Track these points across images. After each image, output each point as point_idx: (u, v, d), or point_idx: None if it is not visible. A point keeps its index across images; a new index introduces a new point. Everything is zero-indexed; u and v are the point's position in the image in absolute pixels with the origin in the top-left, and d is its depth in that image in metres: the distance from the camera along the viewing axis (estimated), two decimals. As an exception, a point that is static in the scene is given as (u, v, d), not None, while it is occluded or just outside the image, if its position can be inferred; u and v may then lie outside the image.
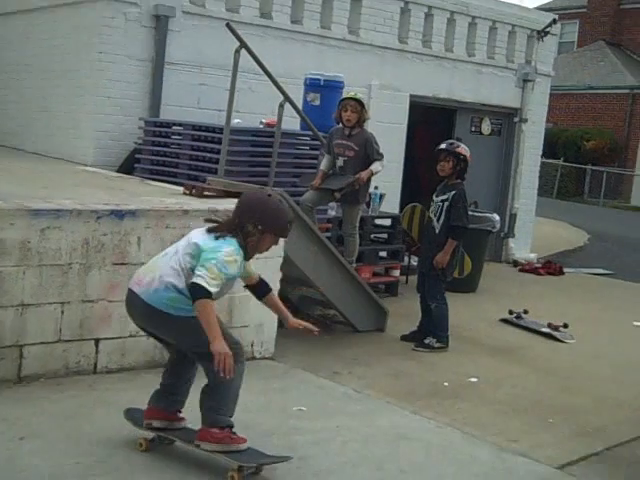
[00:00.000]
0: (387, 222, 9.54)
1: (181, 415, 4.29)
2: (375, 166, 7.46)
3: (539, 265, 12.26)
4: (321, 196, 7.53)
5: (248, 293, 5.87)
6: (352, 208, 7.61)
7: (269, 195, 4.15)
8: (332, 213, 8.50)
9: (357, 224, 7.70)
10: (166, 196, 6.23)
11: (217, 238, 3.96)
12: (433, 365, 6.65)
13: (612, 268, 13.27)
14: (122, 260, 5.34)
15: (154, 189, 6.86)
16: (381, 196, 9.45)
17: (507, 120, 12.56)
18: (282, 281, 6.17)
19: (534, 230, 13.23)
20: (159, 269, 4.04)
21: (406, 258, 9.72)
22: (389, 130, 10.40)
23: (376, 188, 9.11)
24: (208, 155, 7.78)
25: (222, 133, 7.42)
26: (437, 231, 7.19)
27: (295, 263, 6.57)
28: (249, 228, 4.00)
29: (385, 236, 9.50)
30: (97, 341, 5.33)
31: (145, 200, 5.89)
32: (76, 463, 3.93)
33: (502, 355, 7.24)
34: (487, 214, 10.29)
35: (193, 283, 3.83)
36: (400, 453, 4.59)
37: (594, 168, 28.68)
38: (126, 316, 5.34)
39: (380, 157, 7.51)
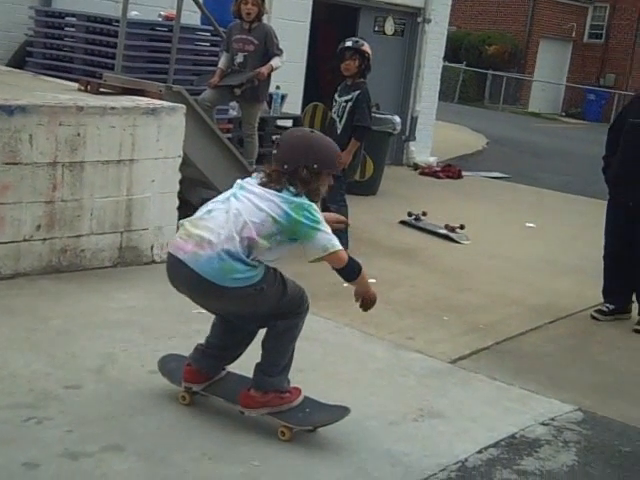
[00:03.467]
0: (289, 123, 9.45)
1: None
2: (275, 61, 7.32)
3: (438, 168, 12.46)
4: (220, 94, 7.37)
5: (147, 194, 5.88)
6: (252, 107, 7.49)
7: (311, 131, 3.71)
8: (233, 113, 8.35)
9: (256, 124, 7.59)
10: (60, 92, 5.98)
11: (295, 195, 3.49)
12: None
13: (509, 172, 13.63)
14: (13, 159, 5.11)
15: (48, 84, 6.56)
16: (283, 97, 9.33)
17: (410, 20, 12.47)
18: (182, 182, 6.08)
19: (435, 134, 13.39)
20: (207, 231, 3.44)
21: (308, 160, 9.68)
22: (292, 28, 10.18)
23: (277, 88, 8.97)
24: (104, 49, 7.48)
25: (119, 26, 7.13)
26: (340, 132, 7.16)
27: (194, 164, 6.47)
28: (304, 174, 3.51)
29: (287, 137, 9.41)
30: (-11, 244, 5.15)
31: (37, 95, 5.64)
32: (-29, 368, 3.86)
33: (400, 256, 7.40)
34: (388, 116, 10.32)
35: (334, 253, 3.46)
36: (299, 353, 4.62)
37: (495, 73, 29.05)
38: (20, 219, 5.24)
39: (280, 52, 7.36)
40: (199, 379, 3.77)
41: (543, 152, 17.32)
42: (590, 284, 6.65)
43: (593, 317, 6.17)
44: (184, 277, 3.49)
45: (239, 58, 7.38)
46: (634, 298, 6.24)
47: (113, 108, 5.61)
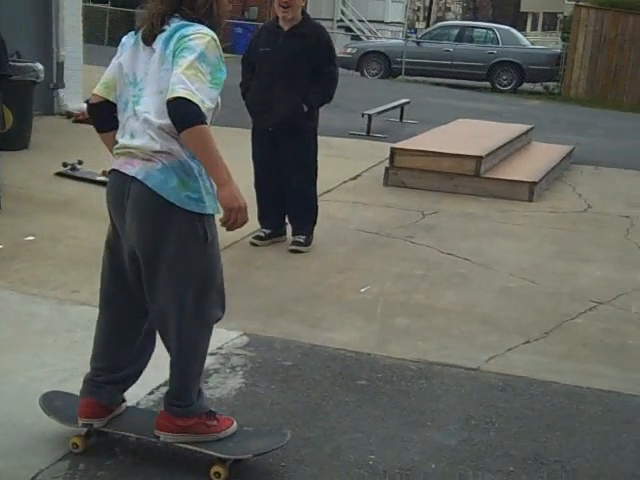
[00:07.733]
0: None
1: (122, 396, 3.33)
2: None
3: (92, 114, 12.12)
4: None
5: None
6: None
7: None
8: None
9: None
10: None
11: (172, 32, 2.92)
12: (-14, 229, 6.39)
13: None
14: None
15: None
16: None
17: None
18: None
19: (86, 79, 12.95)
20: (144, 147, 2.95)
21: None
22: None
23: None
24: None
25: None
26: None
27: None
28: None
29: None
30: None
31: None
32: None
33: (60, 209, 7.19)
34: (29, 63, 9.79)
35: (168, 101, 2.76)
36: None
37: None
38: None
39: None
40: (101, 413, 3.22)
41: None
42: (251, 213, 6.91)
43: (252, 244, 6.49)
44: (133, 195, 2.99)
45: None
46: (287, 220, 6.66)
47: None
